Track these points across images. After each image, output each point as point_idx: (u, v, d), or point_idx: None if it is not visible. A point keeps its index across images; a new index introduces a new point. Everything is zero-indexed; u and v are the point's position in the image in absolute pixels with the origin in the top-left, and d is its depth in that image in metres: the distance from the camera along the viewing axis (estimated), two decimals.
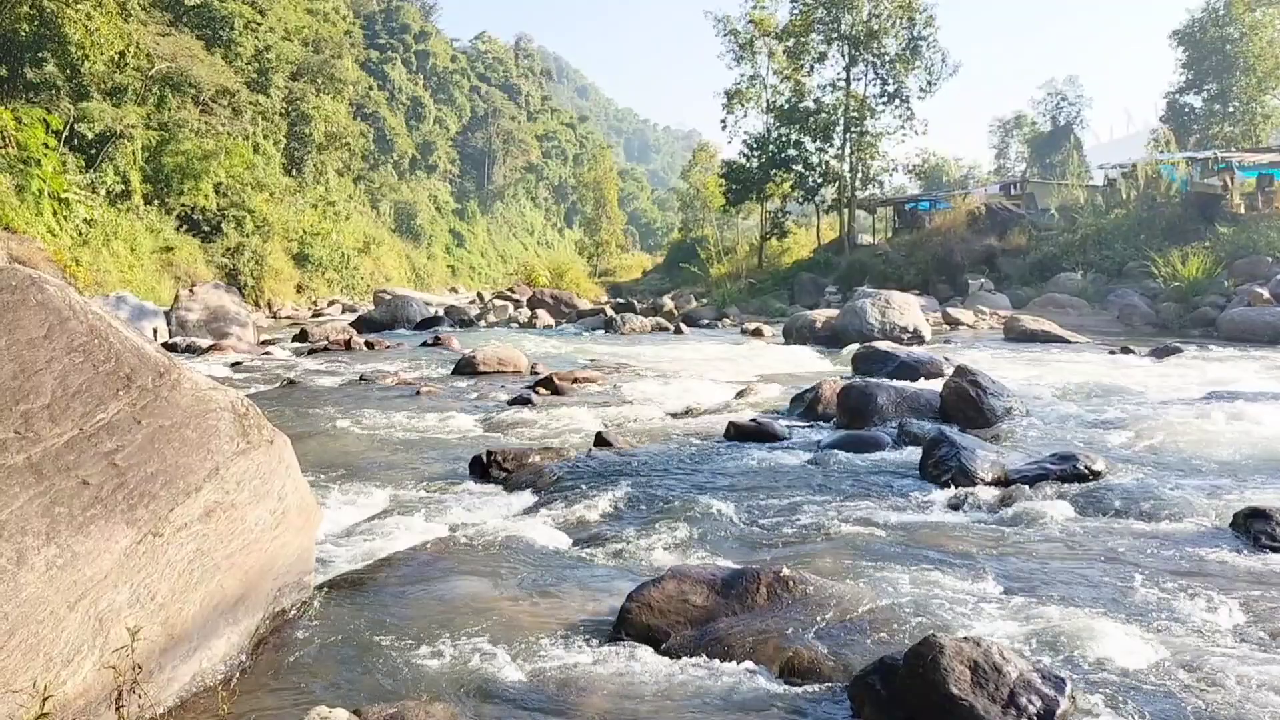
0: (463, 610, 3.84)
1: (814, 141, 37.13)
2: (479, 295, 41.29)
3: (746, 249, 41.39)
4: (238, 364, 14.02)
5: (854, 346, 13.05)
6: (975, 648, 2.86)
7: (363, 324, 21.94)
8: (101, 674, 2.72)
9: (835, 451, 6.73)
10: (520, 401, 9.36)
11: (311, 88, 47.53)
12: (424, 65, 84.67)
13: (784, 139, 37.37)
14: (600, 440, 7.17)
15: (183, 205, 32.43)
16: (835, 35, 35.49)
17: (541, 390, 10.06)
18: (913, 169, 38.45)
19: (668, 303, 28.01)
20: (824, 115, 36.47)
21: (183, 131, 32.75)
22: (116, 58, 29.62)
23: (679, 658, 3.34)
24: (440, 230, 73.29)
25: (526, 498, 5.78)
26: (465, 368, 12.21)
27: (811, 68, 36.95)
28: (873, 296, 17.27)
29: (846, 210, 36.44)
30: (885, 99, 35.83)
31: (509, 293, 31.63)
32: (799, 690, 3.10)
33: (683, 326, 21.21)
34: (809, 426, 8.03)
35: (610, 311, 23.65)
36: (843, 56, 35.95)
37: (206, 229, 33.82)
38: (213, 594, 3.20)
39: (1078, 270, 23.56)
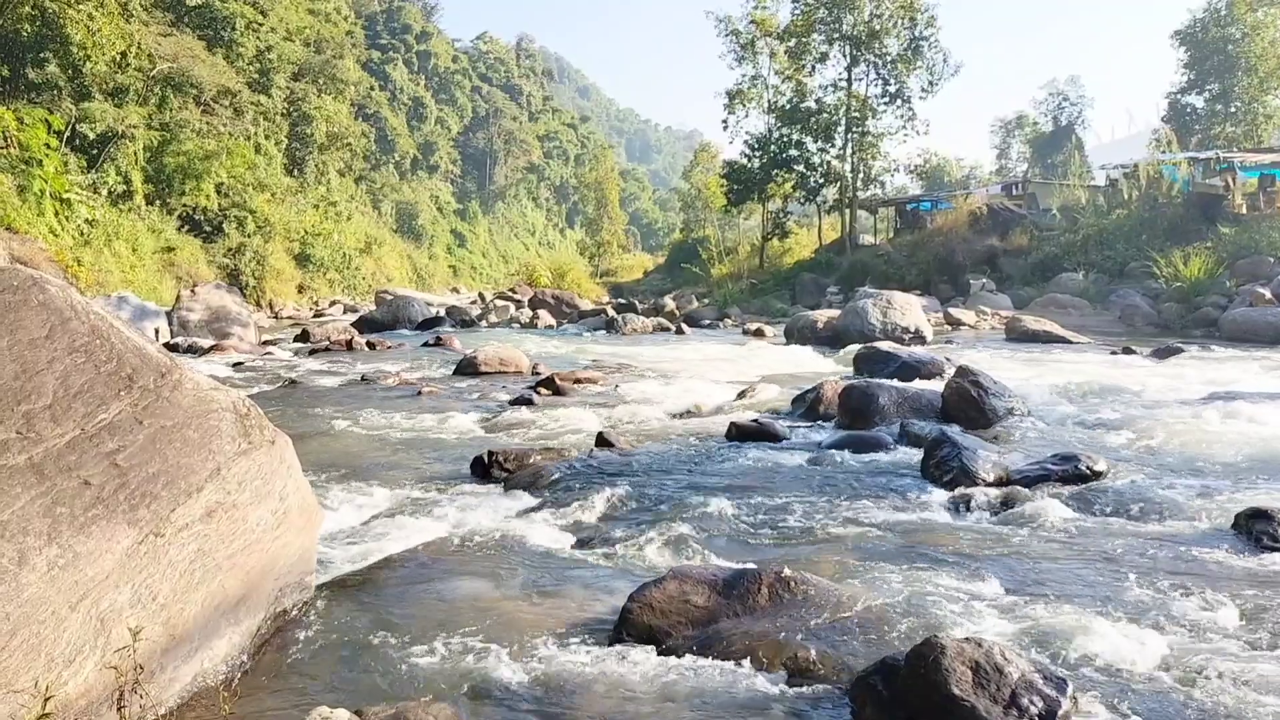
0: (464, 610, 3.84)
1: (815, 142, 37.12)
2: (480, 296, 41.32)
3: (748, 249, 41.39)
4: (239, 364, 14.04)
5: (855, 347, 13.07)
6: (977, 648, 2.85)
7: (364, 324, 21.98)
8: (103, 674, 2.72)
9: (837, 452, 6.73)
10: (521, 402, 9.36)
11: (313, 88, 47.52)
12: (425, 65, 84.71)
13: (785, 139, 37.35)
14: (601, 440, 7.16)
15: (184, 205, 32.43)
16: (837, 35, 35.50)
17: (543, 390, 10.06)
18: (914, 169, 38.40)
19: (669, 303, 28.01)
20: (825, 115, 36.44)
21: (184, 132, 32.76)
22: (118, 58, 29.65)
23: (680, 658, 3.34)
24: (442, 230, 73.28)
25: (528, 498, 5.77)
26: (466, 368, 12.21)
27: (813, 68, 36.97)
28: (874, 297, 17.26)
29: (848, 210, 36.44)
30: (887, 99, 35.88)
31: (510, 293, 31.68)
32: (800, 691, 3.10)
33: (684, 327, 21.19)
34: (810, 427, 8.02)
35: (612, 312, 23.66)
36: (844, 57, 35.98)
37: (208, 229, 33.82)
38: (214, 594, 3.20)
39: (1079, 270, 23.53)
